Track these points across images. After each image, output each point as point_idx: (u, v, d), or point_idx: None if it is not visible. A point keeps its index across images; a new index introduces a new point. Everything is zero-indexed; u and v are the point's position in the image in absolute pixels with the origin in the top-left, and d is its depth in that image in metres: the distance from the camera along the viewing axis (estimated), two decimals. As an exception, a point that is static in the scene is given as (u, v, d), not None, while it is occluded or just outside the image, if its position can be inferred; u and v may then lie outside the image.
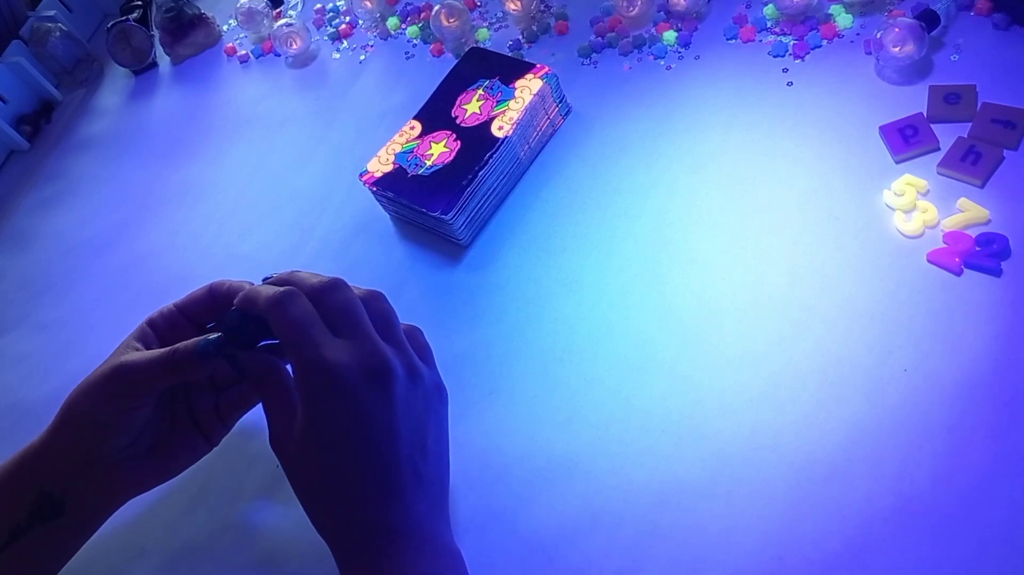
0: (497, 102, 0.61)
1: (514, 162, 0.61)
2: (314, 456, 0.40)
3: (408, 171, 0.60)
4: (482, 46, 0.69)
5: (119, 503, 0.47)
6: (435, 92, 0.64)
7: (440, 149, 0.60)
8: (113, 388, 0.43)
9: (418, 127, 0.63)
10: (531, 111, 0.61)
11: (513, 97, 0.61)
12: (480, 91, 0.62)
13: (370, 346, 0.41)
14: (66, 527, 0.45)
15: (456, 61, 0.66)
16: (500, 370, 0.53)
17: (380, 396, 0.40)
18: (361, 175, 0.61)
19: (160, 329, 0.47)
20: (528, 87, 0.61)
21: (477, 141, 0.59)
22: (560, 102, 0.63)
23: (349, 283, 0.44)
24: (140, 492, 0.47)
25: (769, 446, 0.44)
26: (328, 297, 0.42)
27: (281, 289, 0.41)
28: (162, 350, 0.43)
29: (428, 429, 0.42)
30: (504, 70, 0.63)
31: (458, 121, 0.61)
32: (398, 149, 0.62)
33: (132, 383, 0.43)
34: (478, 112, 0.61)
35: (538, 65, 0.62)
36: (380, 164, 0.61)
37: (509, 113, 0.60)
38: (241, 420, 0.50)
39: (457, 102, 0.63)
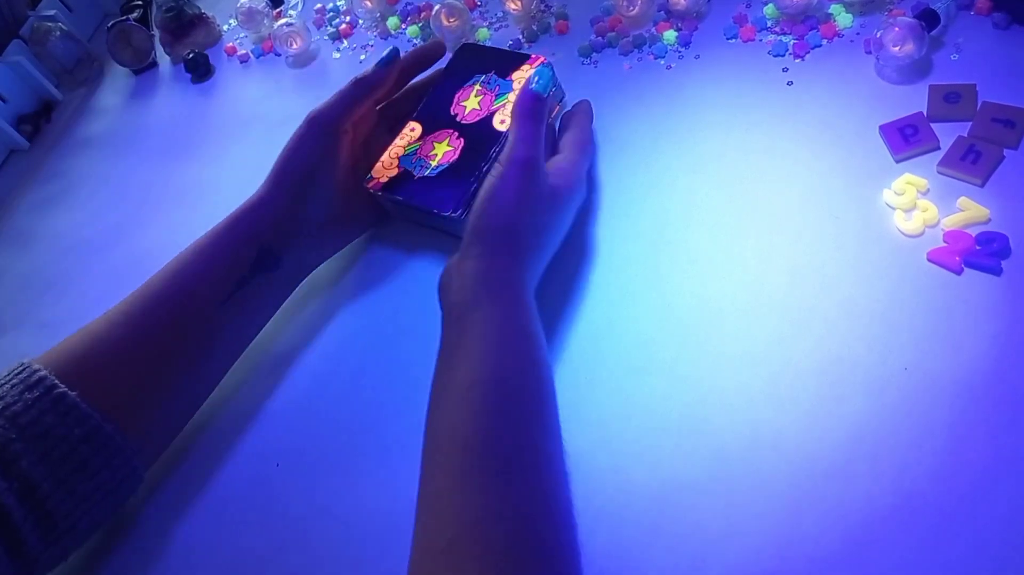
0: (496, 96, 0.60)
1: None
2: (566, 186, 0.53)
3: (415, 173, 0.59)
4: (477, 44, 0.69)
5: (323, 260, 0.60)
6: (432, 92, 0.63)
7: (444, 148, 0.60)
8: (315, 132, 0.55)
9: (418, 128, 0.62)
10: None
11: (511, 90, 0.60)
12: (477, 87, 0.62)
13: (561, 172, 0.54)
14: (280, 279, 0.56)
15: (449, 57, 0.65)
16: (500, 370, 0.53)
17: (551, 199, 0.52)
18: (367, 182, 0.60)
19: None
20: (525, 78, 0.60)
21: (480, 137, 0.59)
22: (555, 88, 0.61)
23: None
24: (339, 249, 0.61)
25: (769, 445, 0.44)
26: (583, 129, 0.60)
27: (539, 118, 0.54)
28: (342, 87, 0.57)
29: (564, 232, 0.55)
30: (499, 63, 0.62)
31: (459, 119, 0.61)
32: (401, 152, 0.61)
33: (328, 119, 0.56)
34: (478, 108, 0.60)
35: (532, 56, 0.62)
36: (385, 169, 0.60)
37: (509, 106, 0.59)
38: (239, 417, 0.50)
39: (455, 100, 0.62)
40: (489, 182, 0.50)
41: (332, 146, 0.56)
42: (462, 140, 0.60)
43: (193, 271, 0.53)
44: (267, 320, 0.57)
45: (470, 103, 0.61)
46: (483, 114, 0.60)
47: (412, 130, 0.62)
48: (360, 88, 0.57)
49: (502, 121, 0.59)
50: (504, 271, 0.48)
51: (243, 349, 0.56)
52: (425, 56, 0.63)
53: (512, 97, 0.59)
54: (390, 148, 0.62)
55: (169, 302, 0.52)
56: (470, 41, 0.76)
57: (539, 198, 0.50)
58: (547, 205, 0.51)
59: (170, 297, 0.52)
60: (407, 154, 0.61)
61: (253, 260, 0.54)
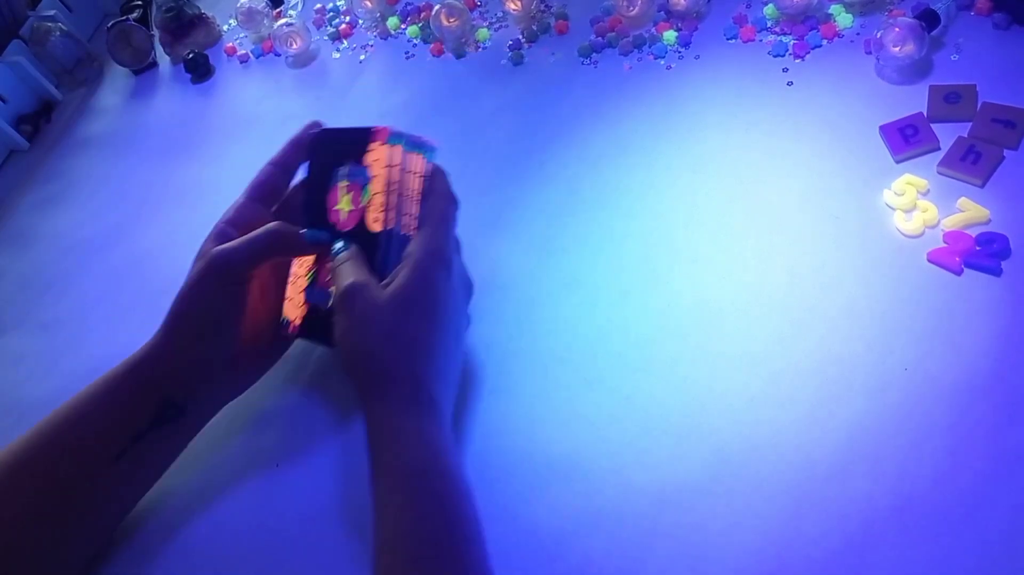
0: (361, 190, 0.51)
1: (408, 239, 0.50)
2: (406, 308, 0.45)
3: (321, 306, 0.51)
4: (330, 127, 0.57)
5: (235, 397, 0.52)
6: (304, 203, 0.53)
7: None
8: (214, 278, 0.48)
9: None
10: (394, 186, 0.50)
11: (370, 178, 0.50)
12: (343, 183, 0.51)
13: (447, 241, 0.49)
14: (185, 426, 0.50)
15: (310, 152, 0.55)
16: (500, 370, 0.53)
17: (462, 293, 0.50)
18: (283, 327, 0.53)
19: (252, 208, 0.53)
20: (379, 160, 0.51)
21: (365, 243, 0.50)
22: (419, 149, 0.51)
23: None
24: (251, 384, 0.53)
25: (769, 445, 0.44)
26: (457, 212, 0.51)
27: (455, 205, 0.50)
28: (255, 232, 0.49)
29: (461, 314, 0.50)
30: (351, 147, 0.52)
31: (339, 228, 0.51)
32: (304, 284, 0.53)
33: (231, 266, 0.48)
34: (352, 208, 0.51)
35: (375, 128, 0.52)
36: (295, 308, 0.53)
37: (375, 199, 0.50)
38: (238, 417, 0.50)
39: (329, 207, 0.52)
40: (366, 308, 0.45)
41: (234, 292, 0.49)
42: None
43: (83, 424, 0.47)
44: (167, 468, 0.51)
45: (343, 205, 0.51)
46: (358, 215, 0.50)
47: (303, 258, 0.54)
48: (274, 238, 0.49)
49: (376, 220, 0.50)
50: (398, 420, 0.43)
51: (137, 501, 0.51)
52: (300, 145, 0.55)
53: (375, 187, 0.50)
54: (292, 280, 0.54)
55: (50, 458, 0.46)
56: (470, 42, 0.76)
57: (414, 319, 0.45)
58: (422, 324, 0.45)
59: (51, 454, 0.46)
60: (309, 285, 0.53)
61: (152, 414, 0.48)
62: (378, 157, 0.51)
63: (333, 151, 0.54)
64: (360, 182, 0.51)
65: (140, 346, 0.48)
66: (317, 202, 0.52)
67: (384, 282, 0.46)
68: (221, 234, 0.50)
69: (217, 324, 0.48)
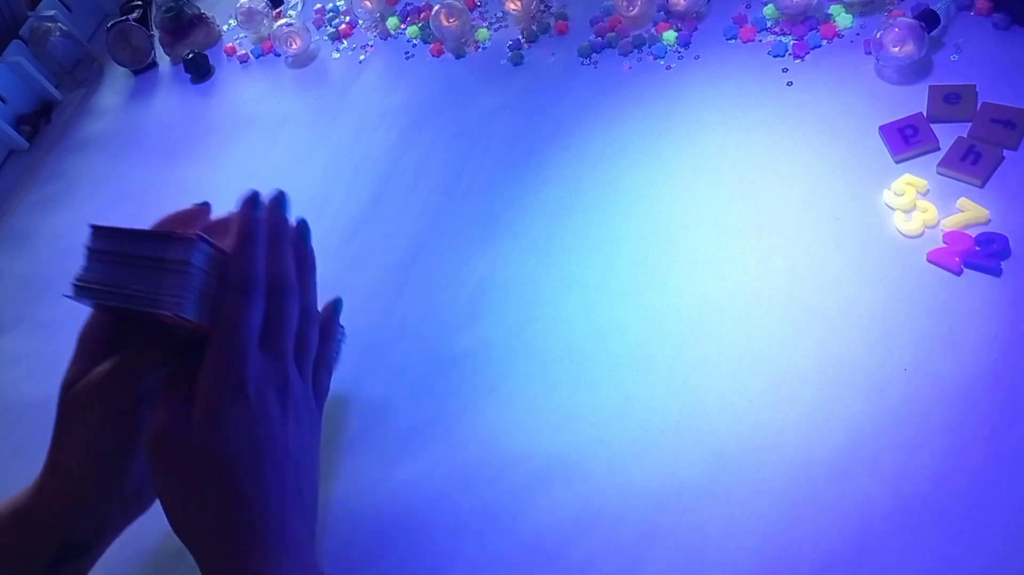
0: None
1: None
2: (203, 464, 0.38)
3: None
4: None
5: (136, 519, 0.47)
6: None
7: None
8: (79, 414, 0.41)
9: None
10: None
11: None
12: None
13: (282, 366, 0.41)
14: (89, 560, 0.45)
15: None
16: (500, 370, 0.53)
17: (279, 412, 0.40)
18: None
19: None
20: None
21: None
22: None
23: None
24: (151, 505, 0.46)
25: (769, 446, 0.44)
26: (273, 302, 0.42)
27: (255, 276, 0.41)
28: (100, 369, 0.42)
29: (310, 459, 0.42)
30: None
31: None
32: None
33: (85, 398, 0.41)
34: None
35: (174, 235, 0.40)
36: None
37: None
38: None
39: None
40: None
41: (115, 421, 0.42)
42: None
43: None
44: None
45: None
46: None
47: None
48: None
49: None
50: None
51: None
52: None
53: None
54: None
55: None
56: (470, 42, 0.75)
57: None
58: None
59: None
60: None
61: (51, 558, 0.43)
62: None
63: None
64: None
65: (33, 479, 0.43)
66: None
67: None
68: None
69: (105, 459, 0.42)
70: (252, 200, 0.43)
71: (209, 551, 0.38)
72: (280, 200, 0.45)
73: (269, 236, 0.43)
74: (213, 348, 0.39)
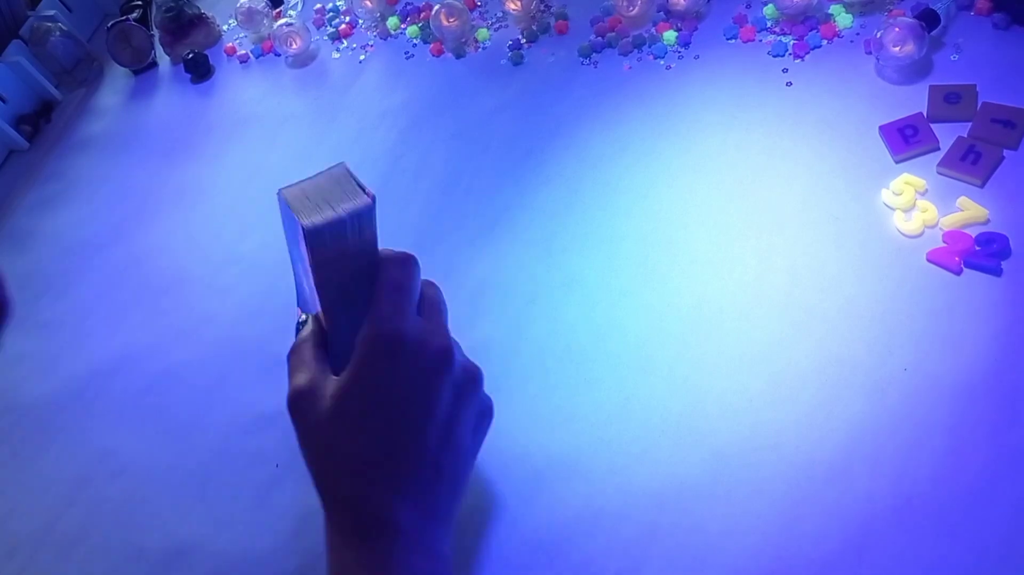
0: None
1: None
2: (348, 418, 0.39)
3: None
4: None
5: None
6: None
7: None
8: None
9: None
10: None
11: None
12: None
13: (441, 332, 0.41)
14: None
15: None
16: (500, 370, 0.53)
17: (432, 374, 0.40)
18: None
19: None
20: None
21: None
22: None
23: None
24: None
25: (769, 446, 0.44)
26: (427, 288, 0.43)
27: (410, 254, 0.42)
28: None
29: (464, 431, 0.41)
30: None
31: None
32: None
33: None
34: None
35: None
36: None
37: None
38: (239, 418, 0.50)
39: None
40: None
41: None
42: None
43: None
44: None
45: None
46: None
47: None
48: None
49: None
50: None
51: None
52: None
53: None
54: None
55: None
56: (470, 42, 0.75)
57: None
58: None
59: None
60: None
61: None
62: None
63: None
64: None
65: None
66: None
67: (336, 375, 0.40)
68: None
69: None
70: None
71: (335, 509, 0.39)
72: None
73: None
74: (376, 307, 0.39)
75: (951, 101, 0.54)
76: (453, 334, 0.55)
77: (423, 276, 0.43)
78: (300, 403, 0.40)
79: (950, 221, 0.49)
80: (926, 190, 0.51)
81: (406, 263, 0.41)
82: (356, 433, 0.39)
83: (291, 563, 0.48)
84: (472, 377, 0.42)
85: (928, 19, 0.57)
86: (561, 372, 0.51)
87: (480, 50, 0.76)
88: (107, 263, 0.73)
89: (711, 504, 0.43)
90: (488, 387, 0.52)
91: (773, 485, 0.43)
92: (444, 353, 0.40)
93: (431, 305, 0.42)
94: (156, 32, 0.93)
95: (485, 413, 0.44)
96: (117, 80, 0.95)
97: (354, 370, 0.39)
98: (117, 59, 0.93)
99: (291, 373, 0.41)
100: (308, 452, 0.40)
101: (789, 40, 0.63)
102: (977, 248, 0.47)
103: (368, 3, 0.82)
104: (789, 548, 0.41)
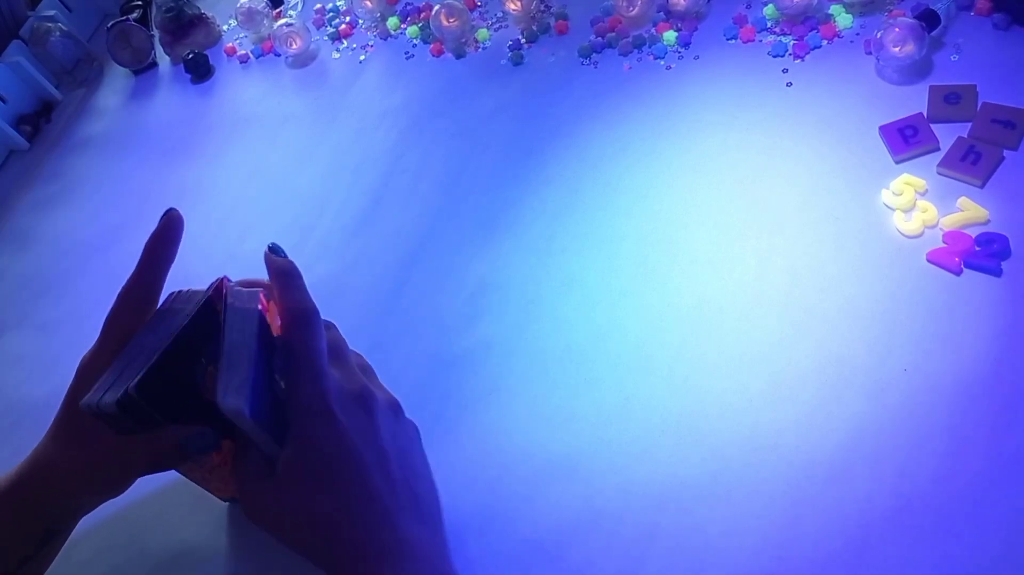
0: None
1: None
2: (305, 486, 0.40)
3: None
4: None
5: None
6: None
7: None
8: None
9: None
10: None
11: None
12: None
13: (354, 376, 0.43)
14: (66, 536, 0.47)
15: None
16: (500, 370, 0.53)
17: (366, 419, 0.42)
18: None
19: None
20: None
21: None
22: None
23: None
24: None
25: (769, 446, 0.44)
26: (329, 330, 0.45)
27: (308, 310, 0.42)
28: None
29: (415, 453, 0.44)
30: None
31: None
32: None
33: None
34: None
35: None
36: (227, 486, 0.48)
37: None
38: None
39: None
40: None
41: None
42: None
43: None
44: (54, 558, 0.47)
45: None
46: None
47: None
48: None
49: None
50: None
51: None
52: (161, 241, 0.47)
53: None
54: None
55: None
56: (470, 42, 0.76)
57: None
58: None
59: None
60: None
61: (39, 540, 0.45)
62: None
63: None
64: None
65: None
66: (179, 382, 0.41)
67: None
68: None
69: (99, 468, 0.42)
70: (275, 248, 0.45)
71: (334, 567, 0.39)
72: (277, 248, 0.46)
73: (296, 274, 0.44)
74: (293, 380, 0.41)
75: (951, 101, 0.54)
76: (453, 334, 0.56)
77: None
78: (257, 508, 0.41)
79: (950, 221, 0.49)
80: (926, 190, 0.51)
81: (307, 323, 0.42)
82: (321, 493, 0.39)
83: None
84: (392, 406, 0.45)
85: (928, 19, 0.57)
86: (561, 372, 0.51)
87: (480, 50, 0.76)
88: (107, 263, 0.73)
89: (711, 504, 0.43)
90: (488, 387, 0.52)
91: (773, 485, 0.43)
92: (364, 396, 0.43)
93: (336, 351, 0.44)
94: (156, 32, 0.94)
95: (411, 427, 0.47)
96: (117, 80, 0.95)
97: (293, 444, 0.40)
98: (117, 59, 0.93)
99: (239, 492, 0.42)
100: (288, 536, 0.40)
101: (789, 40, 0.63)
102: (977, 248, 0.47)
103: (368, 3, 0.82)
104: (789, 548, 0.41)
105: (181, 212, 0.46)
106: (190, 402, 0.41)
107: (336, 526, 0.39)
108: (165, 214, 0.46)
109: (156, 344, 0.41)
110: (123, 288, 0.44)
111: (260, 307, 0.42)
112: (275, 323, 0.43)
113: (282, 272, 0.44)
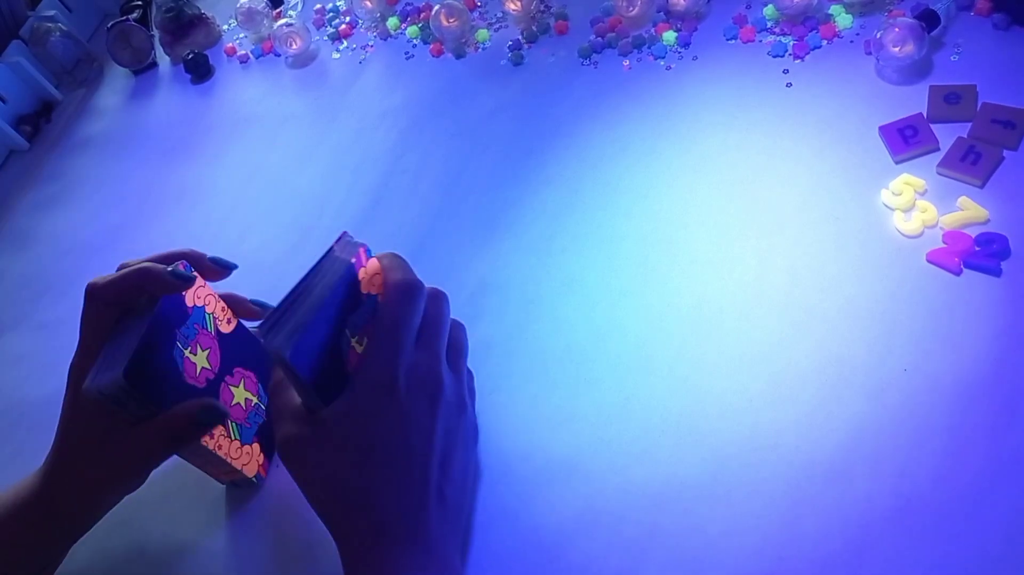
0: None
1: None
2: (345, 451, 0.40)
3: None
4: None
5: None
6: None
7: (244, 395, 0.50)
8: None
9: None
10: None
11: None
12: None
13: (435, 364, 0.42)
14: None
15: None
16: (500, 370, 0.53)
17: (427, 407, 0.41)
18: (261, 481, 0.51)
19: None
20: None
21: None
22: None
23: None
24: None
25: (769, 446, 0.44)
26: (431, 305, 0.44)
27: (415, 283, 0.43)
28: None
29: (458, 458, 0.44)
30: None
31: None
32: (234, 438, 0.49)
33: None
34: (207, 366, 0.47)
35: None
36: (249, 459, 0.50)
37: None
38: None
39: (185, 371, 0.45)
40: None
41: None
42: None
43: None
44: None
45: (199, 360, 0.47)
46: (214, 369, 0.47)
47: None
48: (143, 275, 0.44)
49: (228, 321, 0.49)
50: None
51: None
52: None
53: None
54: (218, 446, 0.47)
55: None
56: (470, 42, 0.76)
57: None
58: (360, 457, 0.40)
59: None
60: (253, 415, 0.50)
61: (63, 549, 0.47)
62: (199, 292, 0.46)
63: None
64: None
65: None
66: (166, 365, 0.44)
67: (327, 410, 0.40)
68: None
69: (111, 460, 0.43)
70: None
71: (348, 537, 0.39)
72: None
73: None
74: (372, 346, 0.41)
75: (951, 101, 0.54)
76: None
77: (422, 278, 0.44)
78: (293, 448, 0.40)
79: (950, 221, 0.49)
80: (926, 190, 0.51)
81: (407, 299, 0.42)
82: (359, 463, 0.39)
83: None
84: (461, 408, 0.44)
85: (928, 19, 0.57)
86: (561, 372, 0.51)
87: (480, 50, 0.76)
88: (107, 263, 0.72)
89: (711, 504, 0.43)
90: (488, 387, 0.52)
91: (773, 485, 0.43)
92: (435, 388, 0.42)
93: (426, 328, 0.43)
94: (156, 32, 0.94)
95: (473, 437, 0.46)
96: (117, 80, 0.95)
97: (348, 403, 0.40)
98: (117, 59, 0.93)
99: (275, 422, 0.42)
100: (313, 489, 0.40)
101: (789, 40, 0.63)
102: (977, 248, 0.47)
103: (368, 3, 0.82)
104: (789, 548, 0.41)
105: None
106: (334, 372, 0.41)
107: (364, 498, 0.39)
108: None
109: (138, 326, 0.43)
110: (95, 287, 0.44)
111: (353, 260, 0.42)
112: (371, 281, 0.43)
113: (392, 255, 0.44)
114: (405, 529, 0.39)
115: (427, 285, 0.45)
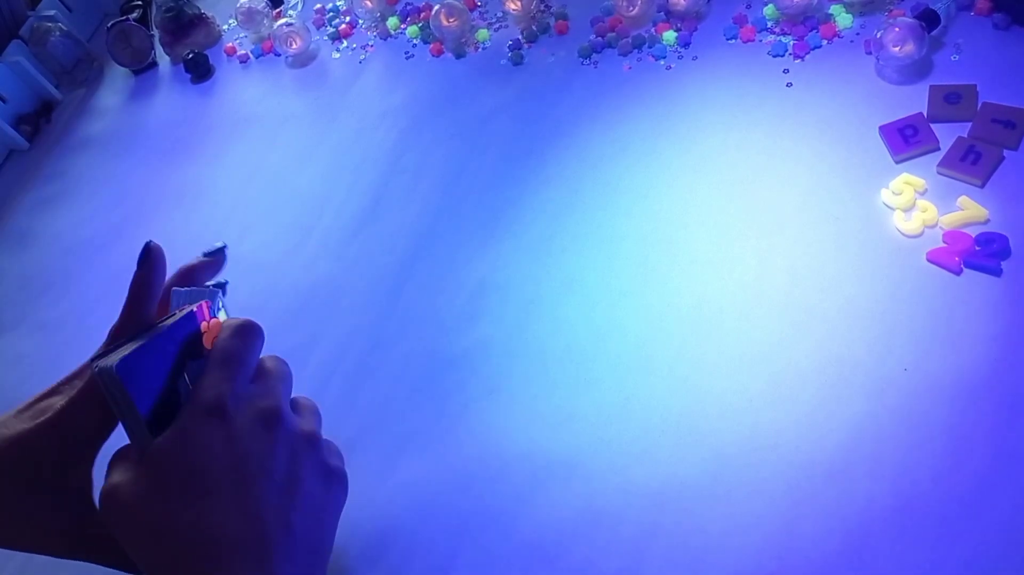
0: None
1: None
2: (171, 483, 0.35)
3: None
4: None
5: None
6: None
7: None
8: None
9: None
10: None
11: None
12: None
13: (270, 394, 0.40)
14: None
15: None
16: (500, 370, 0.53)
17: (263, 436, 0.38)
18: None
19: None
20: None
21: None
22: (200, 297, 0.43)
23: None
24: None
25: (769, 446, 0.44)
26: (275, 361, 0.42)
27: (250, 322, 0.41)
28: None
29: (310, 489, 0.39)
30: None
31: None
32: None
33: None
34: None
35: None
36: None
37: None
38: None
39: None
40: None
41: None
42: None
43: None
44: None
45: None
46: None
47: None
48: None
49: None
50: None
51: None
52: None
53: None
54: None
55: None
56: (470, 42, 0.76)
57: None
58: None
59: None
60: None
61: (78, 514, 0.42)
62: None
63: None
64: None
65: None
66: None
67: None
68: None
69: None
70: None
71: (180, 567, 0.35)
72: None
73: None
74: (202, 377, 0.39)
75: (951, 101, 0.54)
76: (452, 335, 0.56)
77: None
78: (113, 498, 0.36)
79: (950, 221, 0.49)
80: (926, 190, 0.51)
81: (240, 334, 0.40)
82: (183, 504, 0.35)
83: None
84: (310, 441, 0.40)
85: (928, 19, 0.57)
86: (561, 372, 0.51)
87: (480, 50, 0.76)
88: (107, 263, 0.73)
89: (711, 504, 0.43)
90: (488, 387, 0.52)
91: (773, 485, 0.43)
92: (270, 413, 0.38)
93: (264, 372, 0.41)
94: (156, 32, 0.94)
95: (333, 478, 0.41)
96: (117, 80, 0.95)
97: (173, 432, 0.36)
98: (117, 59, 0.93)
99: (106, 476, 0.37)
100: (138, 540, 0.35)
101: (789, 40, 0.63)
102: (977, 248, 0.47)
103: (368, 3, 0.82)
104: (789, 548, 0.41)
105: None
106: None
107: (194, 534, 0.35)
108: (144, 251, 0.43)
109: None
110: (113, 328, 0.42)
111: (195, 309, 0.41)
112: (215, 337, 0.41)
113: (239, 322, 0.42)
114: (243, 561, 0.35)
115: (280, 357, 0.43)
